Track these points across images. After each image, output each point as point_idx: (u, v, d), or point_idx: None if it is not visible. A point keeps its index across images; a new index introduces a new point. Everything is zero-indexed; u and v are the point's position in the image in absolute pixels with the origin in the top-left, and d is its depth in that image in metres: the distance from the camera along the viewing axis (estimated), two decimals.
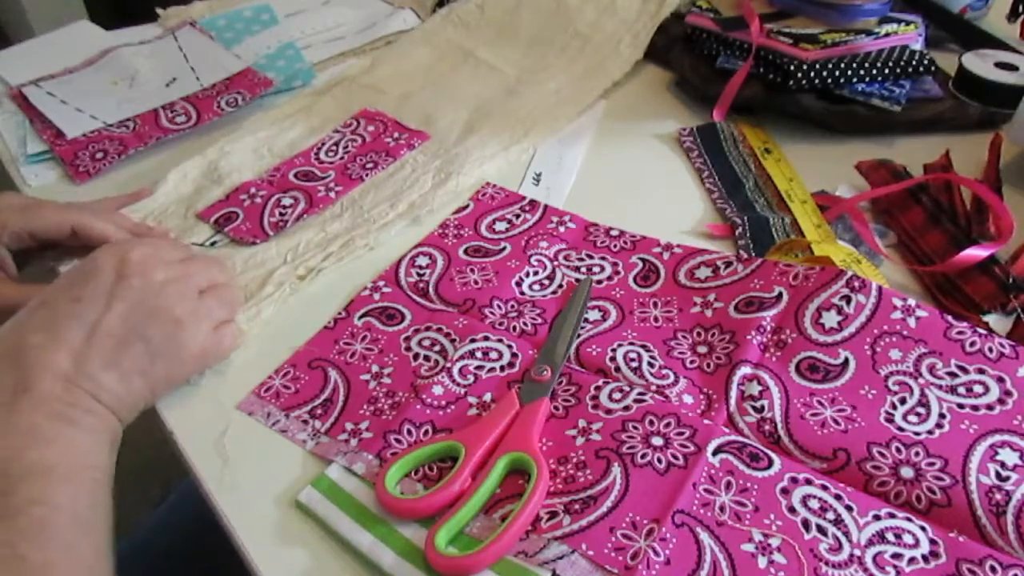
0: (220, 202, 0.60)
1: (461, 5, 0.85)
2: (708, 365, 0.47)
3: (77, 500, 0.37)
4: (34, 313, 0.42)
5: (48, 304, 0.43)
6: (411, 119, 0.70)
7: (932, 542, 0.38)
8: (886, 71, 0.67)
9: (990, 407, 0.42)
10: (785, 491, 0.40)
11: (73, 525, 0.36)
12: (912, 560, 0.37)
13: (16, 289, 0.52)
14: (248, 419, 0.45)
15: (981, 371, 0.44)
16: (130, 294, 0.43)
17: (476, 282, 0.53)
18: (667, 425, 0.42)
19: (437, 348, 0.48)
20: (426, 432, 0.44)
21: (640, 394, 0.44)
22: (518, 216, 0.59)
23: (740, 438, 0.42)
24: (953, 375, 0.44)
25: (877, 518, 0.39)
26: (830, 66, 0.66)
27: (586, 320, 0.50)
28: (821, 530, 0.38)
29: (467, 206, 0.60)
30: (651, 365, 0.46)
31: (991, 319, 0.49)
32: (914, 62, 0.68)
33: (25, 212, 0.53)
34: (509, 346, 0.48)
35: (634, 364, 0.46)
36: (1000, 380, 0.43)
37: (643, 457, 0.41)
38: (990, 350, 0.44)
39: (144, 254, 0.45)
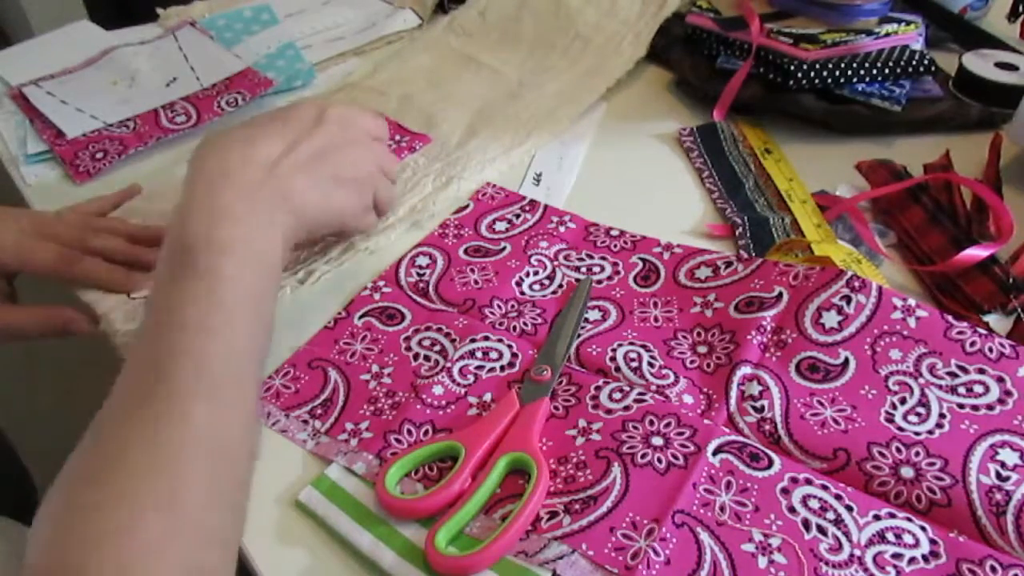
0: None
1: (462, 13, 0.85)
2: (708, 365, 0.47)
3: (248, 279, 0.40)
4: (241, 127, 0.46)
5: (255, 122, 0.47)
6: (412, 122, 0.70)
7: (932, 542, 0.38)
8: (886, 71, 0.67)
9: (990, 407, 0.42)
10: (785, 491, 0.40)
11: (238, 300, 0.39)
12: (912, 560, 0.37)
13: (13, 313, 0.53)
14: None
15: (981, 371, 0.44)
16: (327, 132, 0.47)
17: (476, 282, 0.53)
18: (667, 425, 0.42)
19: (437, 348, 0.48)
20: (426, 432, 0.44)
21: (640, 394, 0.44)
22: (518, 216, 0.59)
23: (740, 438, 0.42)
24: (953, 375, 0.44)
25: (877, 518, 0.39)
26: (830, 66, 0.66)
27: (586, 320, 0.50)
28: (821, 530, 0.38)
29: (467, 206, 0.60)
30: (651, 365, 0.46)
31: (991, 319, 0.49)
32: (914, 62, 0.68)
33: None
34: (509, 346, 0.48)
35: (634, 364, 0.46)
36: (1000, 380, 0.43)
37: (643, 457, 0.41)
38: (990, 350, 0.44)
39: (342, 113, 0.49)
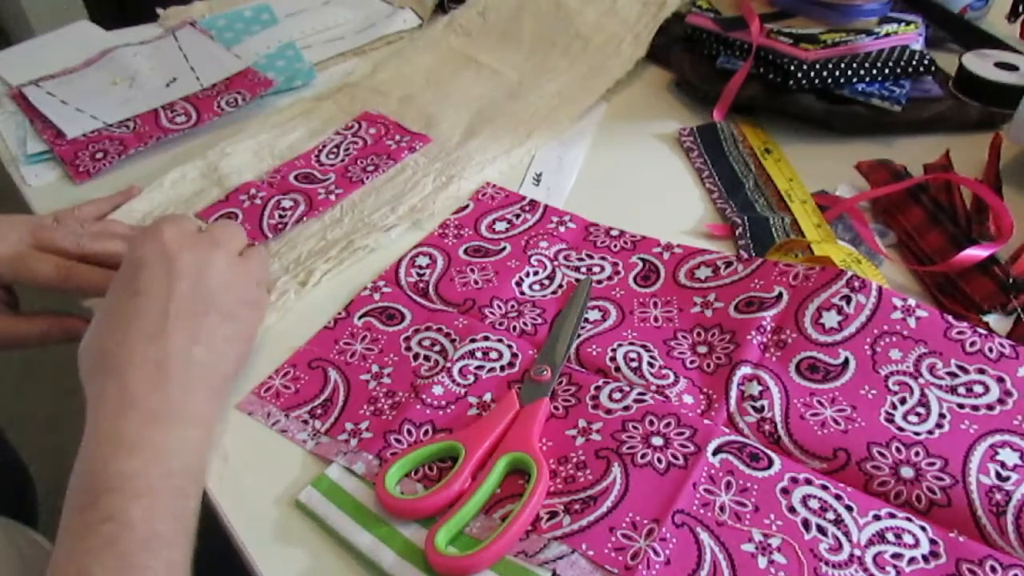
0: (220, 203, 0.60)
1: (463, 13, 0.85)
2: (708, 365, 0.47)
3: (153, 514, 0.37)
4: (102, 322, 0.43)
5: (112, 310, 0.43)
6: (412, 122, 0.70)
7: (932, 542, 0.38)
8: (886, 71, 0.67)
9: (990, 407, 0.42)
10: (785, 491, 0.40)
11: (144, 542, 0.36)
12: (912, 560, 0.37)
13: (16, 323, 0.53)
14: (248, 419, 0.45)
15: (981, 371, 0.44)
16: (186, 271, 0.44)
17: (476, 282, 0.53)
18: (667, 425, 0.42)
19: (437, 348, 0.48)
20: (426, 432, 0.44)
21: (640, 394, 0.44)
22: (518, 216, 0.59)
23: (740, 438, 0.42)
24: (953, 375, 0.44)
25: (877, 518, 0.39)
26: (830, 66, 0.66)
27: (586, 320, 0.50)
28: (821, 530, 0.38)
29: (467, 206, 0.60)
30: (651, 365, 0.46)
31: (991, 319, 0.49)
32: (914, 62, 0.68)
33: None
34: (509, 346, 0.48)
35: (634, 364, 0.46)
36: (1000, 380, 0.43)
37: (643, 457, 0.41)
38: (990, 350, 0.44)
39: (177, 232, 0.46)
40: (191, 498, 0.39)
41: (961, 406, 0.43)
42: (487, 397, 0.45)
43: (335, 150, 0.66)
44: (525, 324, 0.50)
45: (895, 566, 0.37)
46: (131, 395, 0.40)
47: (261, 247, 0.51)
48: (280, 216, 0.59)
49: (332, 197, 0.61)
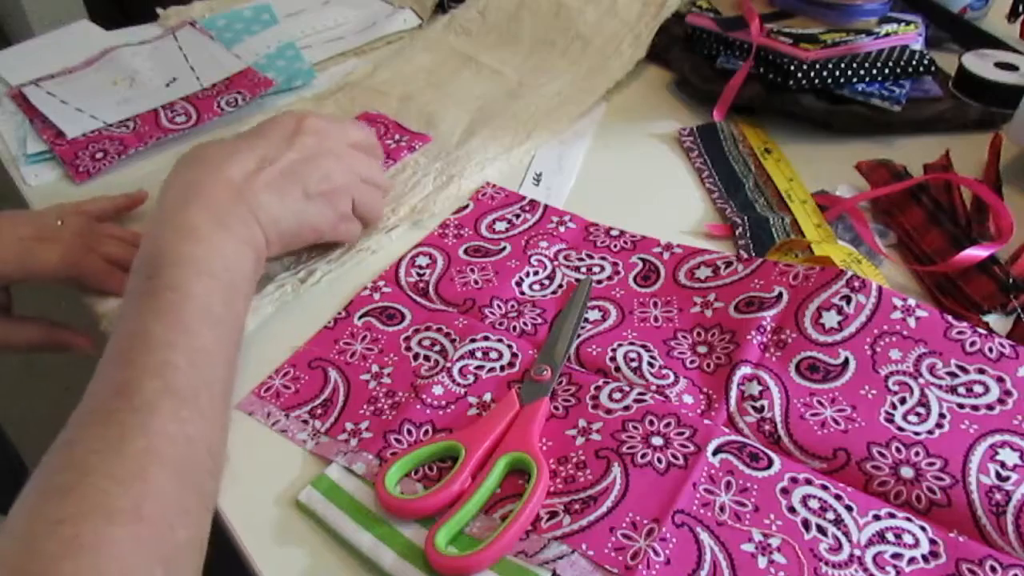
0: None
1: (462, 12, 0.85)
2: (708, 365, 0.47)
3: (211, 294, 0.41)
4: (219, 143, 0.48)
5: (236, 138, 0.49)
6: (412, 121, 0.70)
7: (932, 542, 0.38)
8: (886, 71, 0.67)
9: (990, 407, 0.42)
10: (785, 491, 0.40)
11: (200, 314, 0.40)
12: (912, 560, 0.37)
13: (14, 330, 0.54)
14: (248, 419, 0.45)
15: (981, 371, 0.44)
16: (303, 146, 0.49)
17: (476, 282, 0.53)
18: (667, 425, 0.42)
19: (437, 348, 0.48)
20: (426, 432, 0.44)
21: (640, 394, 0.44)
22: (518, 216, 0.59)
23: (740, 438, 0.42)
24: (953, 375, 0.44)
25: (877, 518, 0.39)
26: (830, 66, 0.66)
27: (586, 320, 0.50)
28: (821, 530, 0.38)
29: (467, 206, 0.60)
30: (651, 365, 0.46)
31: (991, 319, 0.49)
32: (914, 62, 0.68)
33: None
34: (509, 346, 0.48)
35: (634, 364, 0.46)
36: (1000, 380, 0.43)
37: (643, 457, 0.41)
38: (990, 350, 0.44)
39: (320, 124, 0.51)
40: (241, 309, 0.44)
41: (961, 406, 0.43)
42: (487, 397, 0.45)
43: None
44: (525, 324, 0.50)
45: (895, 566, 0.37)
46: (207, 198, 0.44)
47: (386, 187, 0.56)
48: None
49: None
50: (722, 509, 0.39)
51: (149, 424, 0.35)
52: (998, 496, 0.39)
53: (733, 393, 0.44)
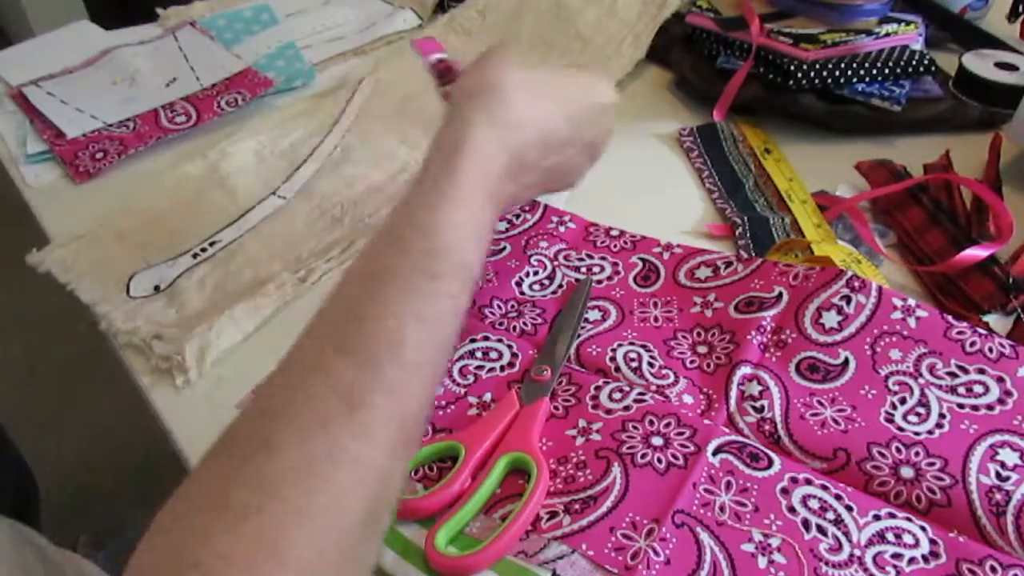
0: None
1: (462, 12, 0.85)
2: (708, 365, 0.47)
3: (463, 256, 0.39)
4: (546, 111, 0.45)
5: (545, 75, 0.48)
6: (412, 121, 0.70)
7: (932, 542, 0.38)
8: (886, 71, 0.67)
9: (990, 407, 0.42)
10: (785, 491, 0.40)
11: (449, 270, 0.37)
12: (912, 560, 0.37)
13: None
14: None
15: (981, 371, 0.44)
16: (589, 137, 0.48)
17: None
18: (667, 425, 0.42)
19: None
20: (426, 432, 0.44)
21: (640, 394, 0.44)
22: (518, 216, 0.59)
23: (740, 438, 0.42)
24: (953, 375, 0.44)
25: (877, 518, 0.39)
26: (830, 66, 0.66)
27: (586, 320, 0.50)
28: (821, 530, 0.38)
29: None
30: (651, 365, 0.46)
31: (991, 319, 0.49)
32: (914, 62, 0.68)
33: None
34: (509, 346, 0.48)
35: (634, 364, 0.46)
36: (1000, 380, 0.43)
37: (643, 457, 0.41)
38: (990, 350, 0.44)
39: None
40: (477, 262, 0.40)
41: (961, 406, 0.43)
42: (487, 397, 0.45)
43: None
44: (525, 324, 0.50)
45: (895, 566, 0.37)
46: (449, 154, 0.41)
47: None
48: None
49: None
50: (722, 509, 0.39)
51: (376, 374, 0.33)
52: (998, 496, 0.39)
53: (733, 393, 0.44)
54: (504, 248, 0.56)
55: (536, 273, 0.54)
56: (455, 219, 0.38)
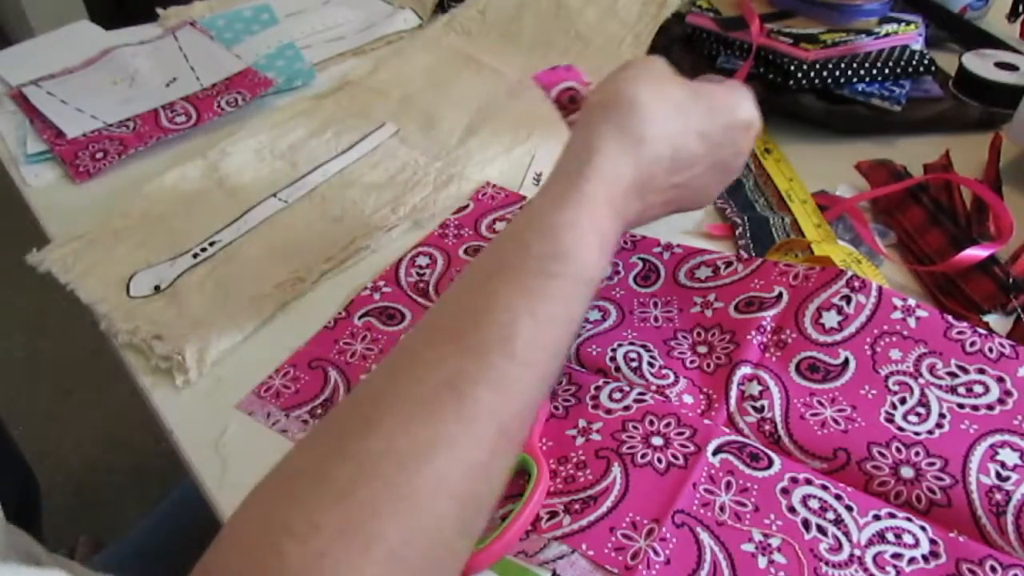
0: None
1: (462, 12, 0.85)
2: (708, 365, 0.47)
3: (586, 259, 0.39)
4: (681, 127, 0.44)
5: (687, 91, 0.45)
6: (412, 121, 0.70)
7: (932, 542, 0.38)
8: (886, 71, 0.67)
9: (990, 407, 0.42)
10: (785, 491, 0.40)
11: (570, 273, 0.38)
12: (912, 560, 0.37)
13: None
14: (248, 419, 0.45)
15: (981, 371, 0.44)
16: (730, 153, 0.46)
17: None
18: (667, 425, 0.42)
19: None
20: None
21: (640, 394, 0.44)
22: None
23: (740, 438, 0.42)
24: (953, 375, 0.44)
25: (877, 518, 0.39)
26: (830, 66, 0.66)
27: (586, 320, 0.50)
28: (821, 530, 0.38)
29: (467, 206, 0.60)
30: (651, 365, 0.46)
31: (991, 319, 0.49)
32: (914, 62, 0.68)
33: None
34: None
35: (634, 364, 0.46)
36: (1000, 380, 0.43)
37: (643, 457, 0.41)
38: (990, 350, 0.44)
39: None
40: (597, 273, 0.40)
41: (961, 406, 0.43)
42: None
43: None
44: None
45: (895, 566, 0.37)
46: (576, 165, 0.41)
47: None
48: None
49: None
50: (722, 509, 0.39)
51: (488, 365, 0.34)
52: (998, 496, 0.39)
53: (733, 393, 0.44)
54: None
55: None
56: (577, 224, 0.38)
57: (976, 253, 0.51)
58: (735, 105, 0.46)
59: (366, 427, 0.31)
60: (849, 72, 0.67)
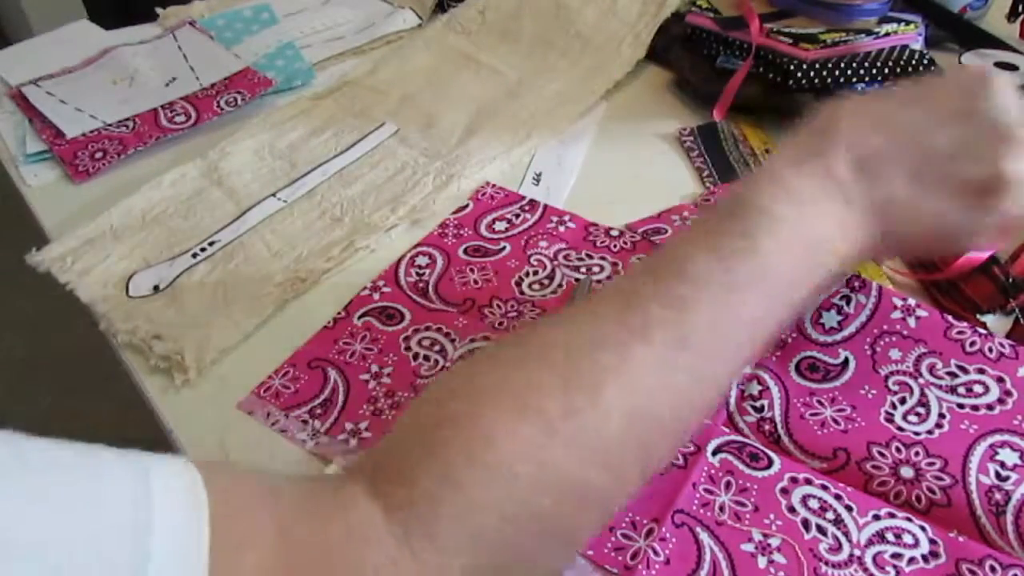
0: (652, 218, 0.59)
1: (462, 12, 0.85)
2: None
3: (779, 264, 0.36)
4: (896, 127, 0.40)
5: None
6: (412, 121, 0.70)
7: (932, 542, 0.38)
8: (886, 71, 0.67)
9: (990, 407, 0.42)
10: (785, 491, 0.40)
11: (753, 278, 0.35)
12: (912, 560, 0.37)
13: None
14: (248, 419, 0.45)
15: (981, 371, 0.44)
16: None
17: (476, 282, 0.53)
18: None
19: (437, 348, 0.48)
20: None
21: None
22: (518, 216, 0.59)
23: (740, 438, 0.42)
24: (953, 375, 0.44)
25: (877, 518, 0.39)
26: (830, 66, 0.66)
27: None
28: (821, 530, 0.38)
29: (467, 206, 0.60)
30: None
31: (990, 319, 0.49)
32: (914, 62, 0.68)
33: None
34: None
35: None
36: (1000, 380, 0.43)
37: None
38: (990, 350, 0.44)
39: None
40: (798, 294, 0.37)
41: (961, 406, 0.43)
42: None
43: None
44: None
45: (895, 566, 0.37)
46: (790, 182, 0.38)
47: None
48: None
49: None
50: (721, 509, 0.39)
51: (633, 352, 0.33)
52: (998, 496, 0.39)
53: (733, 393, 0.44)
54: (504, 248, 0.56)
55: (536, 273, 0.54)
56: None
57: (976, 255, 0.51)
58: (974, 95, 0.39)
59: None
60: (849, 72, 0.67)
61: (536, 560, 0.32)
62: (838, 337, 0.46)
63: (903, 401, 0.43)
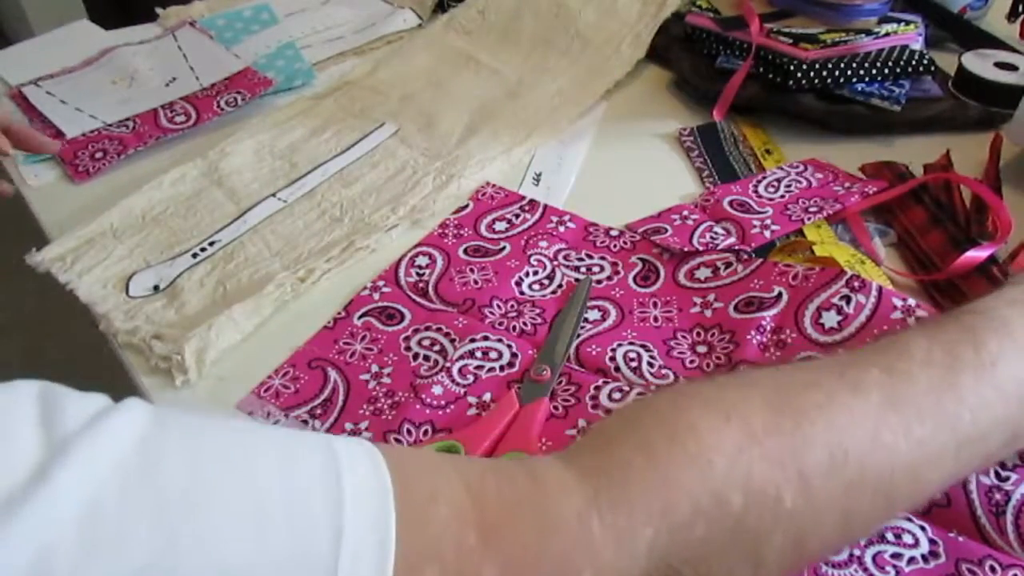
0: (651, 217, 0.58)
1: (462, 12, 0.85)
2: (708, 365, 0.47)
3: (1006, 369, 0.35)
4: None
5: None
6: (412, 121, 0.70)
7: (932, 542, 0.38)
8: (886, 71, 0.67)
9: None
10: None
11: (981, 382, 0.34)
12: (912, 560, 0.37)
13: None
14: (248, 419, 0.45)
15: None
16: None
17: (476, 282, 0.53)
18: None
19: (437, 348, 0.48)
20: (426, 432, 0.44)
21: (640, 394, 0.44)
22: (518, 216, 0.59)
23: None
24: None
25: None
26: (830, 66, 0.66)
27: (586, 320, 0.50)
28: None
29: (467, 206, 0.60)
30: (651, 365, 0.46)
31: None
32: (914, 62, 0.68)
33: None
34: (509, 346, 0.48)
35: (634, 364, 0.46)
36: None
37: None
38: None
39: None
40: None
41: None
42: (487, 397, 0.45)
43: (775, 184, 0.61)
44: (525, 324, 0.50)
45: (895, 566, 0.37)
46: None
47: None
48: (711, 238, 0.55)
49: (767, 233, 0.55)
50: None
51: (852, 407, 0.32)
52: (997, 496, 0.39)
53: None
54: (504, 248, 0.56)
55: (536, 273, 0.54)
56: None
57: (976, 255, 0.51)
58: None
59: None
60: (849, 72, 0.67)
61: (718, 570, 0.30)
62: (838, 337, 0.46)
63: None
